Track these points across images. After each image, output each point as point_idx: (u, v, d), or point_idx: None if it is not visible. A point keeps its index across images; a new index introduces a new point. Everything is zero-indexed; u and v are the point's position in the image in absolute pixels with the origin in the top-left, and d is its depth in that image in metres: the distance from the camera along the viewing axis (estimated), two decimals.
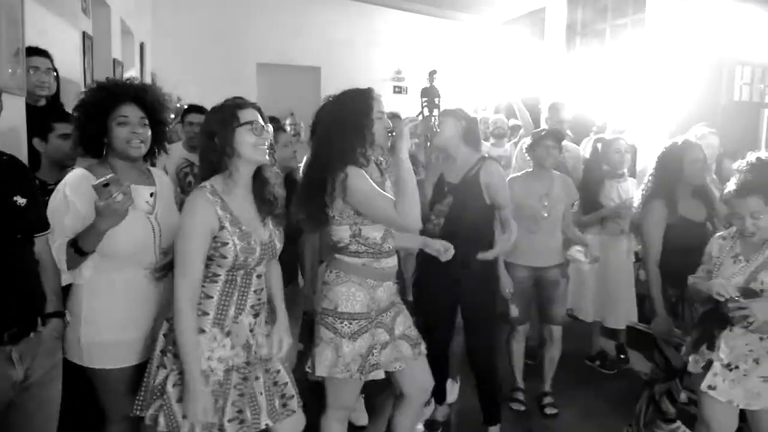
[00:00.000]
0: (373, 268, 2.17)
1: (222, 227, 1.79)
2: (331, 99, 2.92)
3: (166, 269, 1.94)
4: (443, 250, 2.33)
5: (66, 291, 1.94)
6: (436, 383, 3.07)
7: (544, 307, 3.30)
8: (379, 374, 2.26)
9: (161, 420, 1.75)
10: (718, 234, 2.45)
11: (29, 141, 2.56)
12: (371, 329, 2.15)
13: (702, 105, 4.55)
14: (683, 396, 3.32)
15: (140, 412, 1.82)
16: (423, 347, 2.31)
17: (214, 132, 1.81)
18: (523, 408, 3.33)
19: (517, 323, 3.30)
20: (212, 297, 1.82)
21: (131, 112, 1.94)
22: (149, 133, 1.99)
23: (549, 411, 3.32)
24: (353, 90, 2.19)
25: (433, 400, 3.12)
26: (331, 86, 8.25)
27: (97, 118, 1.92)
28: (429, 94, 4.58)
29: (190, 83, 7.02)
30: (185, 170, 3.70)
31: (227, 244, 1.79)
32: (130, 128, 1.93)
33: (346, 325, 2.11)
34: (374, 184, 2.08)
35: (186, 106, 4.15)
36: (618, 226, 3.58)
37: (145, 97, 1.99)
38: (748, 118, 4.71)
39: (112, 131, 1.93)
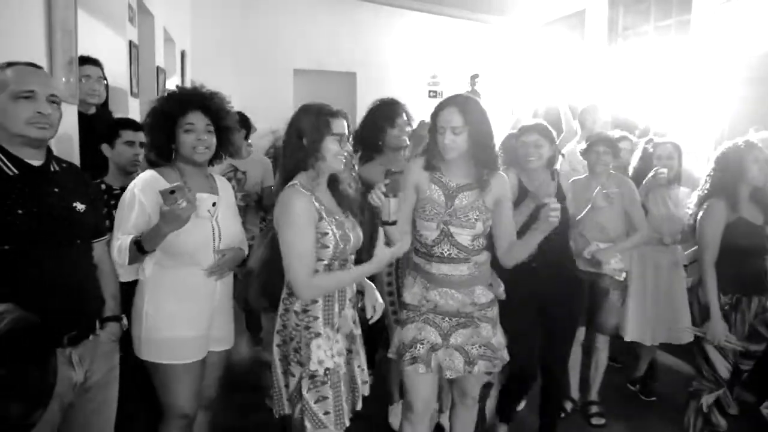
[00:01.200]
0: (425, 271, 2.21)
1: (321, 218, 1.89)
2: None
3: (222, 269, 2.05)
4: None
5: (131, 291, 2.04)
6: (510, 400, 2.95)
7: (593, 313, 3.20)
8: (418, 369, 2.16)
9: (307, 424, 1.88)
10: None
11: (95, 147, 2.64)
12: (417, 322, 2.19)
13: (749, 107, 4.42)
14: (734, 409, 3.22)
15: (282, 411, 1.98)
16: (476, 368, 2.18)
17: (304, 133, 1.90)
18: (561, 414, 3.25)
19: None
20: (317, 300, 1.91)
21: (197, 120, 2.02)
22: (214, 139, 2.07)
23: (596, 421, 3.23)
24: None
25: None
26: (367, 91, 8.32)
27: (166, 125, 2.02)
28: None
29: (228, 89, 7.10)
30: (229, 175, 3.76)
31: (327, 233, 1.89)
32: (195, 135, 2.02)
33: (403, 313, 2.25)
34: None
35: None
36: (656, 235, 3.41)
37: (211, 105, 2.06)
38: None
39: (179, 138, 2.02)
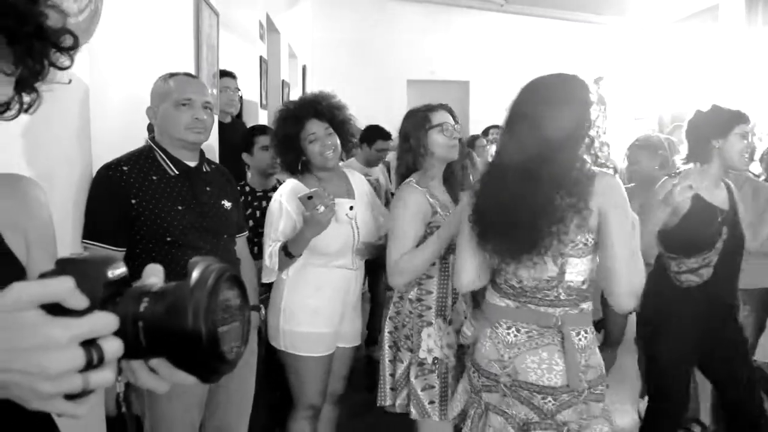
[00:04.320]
0: None
1: (435, 212, 1.96)
2: None
3: (363, 252, 2.16)
4: None
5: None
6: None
7: None
8: None
9: (412, 409, 1.94)
10: None
11: (232, 154, 2.84)
12: None
13: None
14: None
15: (383, 402, 2.04)
16: None
17: (409, 135, 2.00)
18: None
19: None
20: (432, 292, 1.99)
21: (316, 128, 2.13)
22: (337, 139, 2.16)
23: None
24: None
25: None
26: (480, 99, 8.27)
27: (291, 144, 2.15)
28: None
29: (346, 101, 7.41)
30: None
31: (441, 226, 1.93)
32: (320, 143, 2.12)
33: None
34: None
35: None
36: None
37: (322, 109, 2.16)
38: None
39: (306, 150, 2.13)
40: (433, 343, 1.93)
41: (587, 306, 1.58)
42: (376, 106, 7.88)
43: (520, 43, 8.83)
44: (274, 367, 2.16)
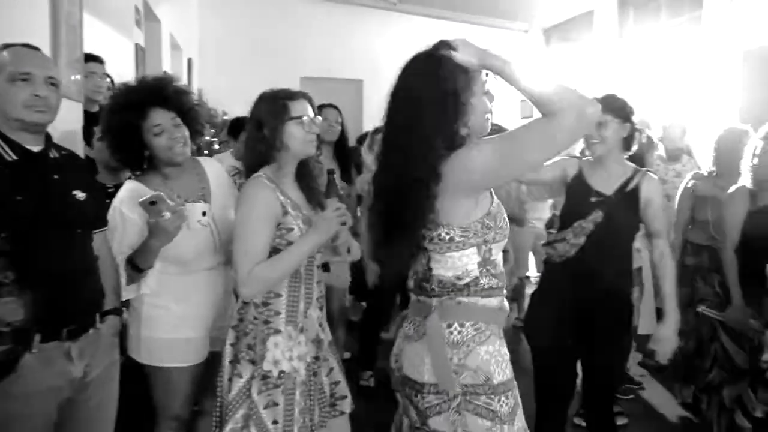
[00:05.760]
0: (505, 311, 1.53)
1: (285, 212, 1.74)
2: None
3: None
4: None
5: None
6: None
7: None
8: None
9: (253, 430, 1.67)
10: None
11: None
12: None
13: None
14: (759, 411, 3.09)
15: (218, 430, 1.76)
16: None
17: (263, 123, 1.76)
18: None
19: None
20: (281, 294, 1.76)
21: (162, 118, 1.89)
22: (186, 131, 1.95)
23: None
24: None
25: None
26: (374, 98, 8.29)
27: (131, 136, 1.88)
28: None
29: (235, 98, 7.11)
30: (234, 178, 3.71)
31: (293, 229, 1.74)
32: (167, 135, 1.89)
33: (503, 402, 1.42)
34: None
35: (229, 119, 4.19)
36: None
37: (167, 94, 1.94)
38: None
39: (151, 143, 1.89)
40: (280, 353, 1.70)
41: (470, 300, 1.45)
42: None
43: (413, 44, 8.87)
44: (140, 376, 1.96)
